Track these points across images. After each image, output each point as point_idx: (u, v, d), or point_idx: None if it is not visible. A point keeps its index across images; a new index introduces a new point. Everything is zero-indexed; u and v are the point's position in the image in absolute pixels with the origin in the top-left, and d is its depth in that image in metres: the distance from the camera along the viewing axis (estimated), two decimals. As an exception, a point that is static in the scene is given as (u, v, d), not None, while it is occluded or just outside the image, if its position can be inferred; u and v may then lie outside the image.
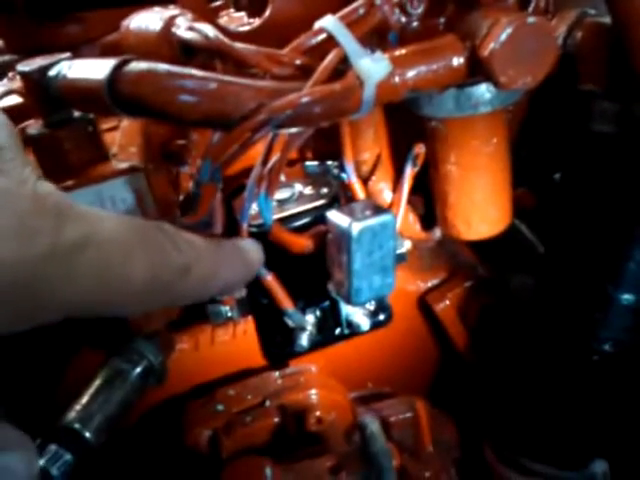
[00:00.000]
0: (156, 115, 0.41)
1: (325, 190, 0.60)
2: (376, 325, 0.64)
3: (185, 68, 0.41)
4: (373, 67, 0.43)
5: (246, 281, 0.36)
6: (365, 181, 0.62)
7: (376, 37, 0.50)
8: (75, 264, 0.24)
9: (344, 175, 0.61)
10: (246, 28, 0.59)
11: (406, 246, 0.63)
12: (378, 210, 0.52)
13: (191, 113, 0.40)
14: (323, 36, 0.46)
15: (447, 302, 0.78)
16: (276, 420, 0.69)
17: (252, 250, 0.36)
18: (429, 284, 0.80)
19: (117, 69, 0.42)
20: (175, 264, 0.30)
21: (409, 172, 0.60)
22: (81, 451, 0.50)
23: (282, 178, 0.62)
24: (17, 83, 0.65)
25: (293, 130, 0.45)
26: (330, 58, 0.44)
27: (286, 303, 0.55)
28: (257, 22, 0.59)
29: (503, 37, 0.44)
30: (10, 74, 0.70)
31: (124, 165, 0.49)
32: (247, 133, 0.42)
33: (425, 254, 0.79)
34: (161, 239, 0.30)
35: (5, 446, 0.26)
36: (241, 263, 0.35)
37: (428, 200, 0.66)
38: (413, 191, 0.63)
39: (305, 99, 0.41)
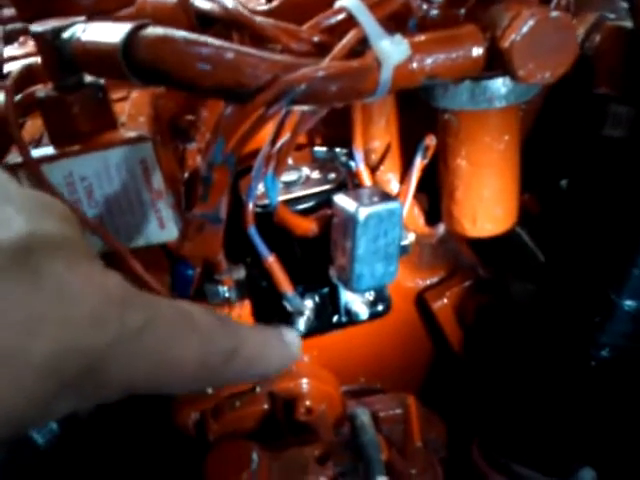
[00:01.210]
0: (170, 82, 0.41)
1: (332, 175, 0.60)
2: (374, 315, 0.63)
3: (202, 36, 0.40)
4: (392, 49, 0.43)
5: (283, 369, 0.37)
6: (373, 170, 0.61)
7: (394, 23, 0.49)
8: (137, 348, 0.26)
9: (352, 163, 0.61)
10: (264, 7, 0.58)
11: (410, 238, 0.63)
12: (386, 197, 0.51)
13: (206, 81, 0.40)
14: (343, 15, 0.45)
15: (445, 300, 0.78)
16: (265, 407, 0.68)
17: (293, 340, 0.37)
18: (428, 282, 0.80)
19: (133, 33, 0.42)
20: (223, 347, 0.31)
21: (418, 163, 0.59)
22: (67, 419, 0.49)
23: (290, 161, 0.61)
24: (27, 48, 0.64)
25: (306, 108, 0.44)
26: (349, 37, 0.43)
27: (285, 286, 0.55)
28: (275, 2, 0.59)
29: (525, 29, 0.44)
30: (21, 39, 0.69)
31: (132, 134, 0.48)
32: (261, 107, 0.41)
33: (426, 252, 0.79)
34: (211, 322, 0.31)
35: None
36: (282, 351, 0.36)
37: (432, 198, 0.66)
38: (418, 189, 0.63)
39: (321, 73, 0.40)
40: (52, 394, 0.23)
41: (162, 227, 0.51)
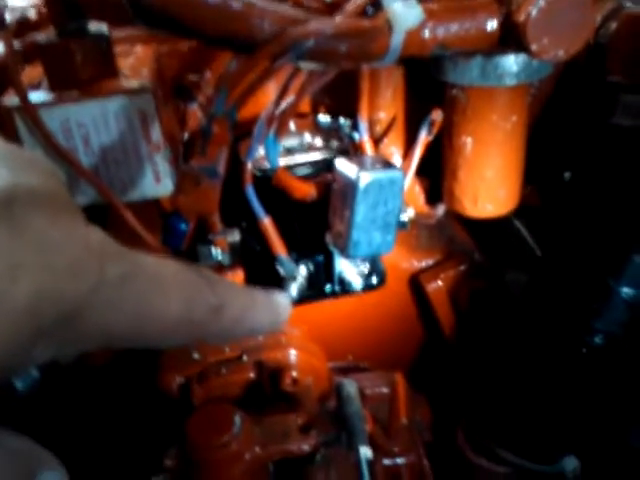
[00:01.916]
0: (176, 28, 0.40)
1: (335, 143, 0.59)
2: (368, 287, 0.63)
3: (211, -18, 0.39)
4: (405, 12, 0.42)
5: (271, 330, 0.37)
6: (376, 142, 0.60)
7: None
8: (115, 299, 0.26)
9: (356, 134, 0.60)
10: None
11: (409, 214, 0.62)
12: (388, 165, 0.50)
13: (212, 29, 0.39)
14: (357, -25, 0.44)
15: (439, 283, 0.77)
16: (251, 375, 0.67)
17: (282, 302, 0.37)
18: (423, 264, 0.79)
19: (140, -23, 0.41)
20: (209, 303, 0.31)
21: (423, 138, 0.58)
22: (47, 366, 0.49)
23: (292, 127, 0.60)
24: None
25: (312, 67, 0.43)
26: (362, -4, 0.42)
27: (280, 249, 0.54)
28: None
29: (541, 3, 0.43)
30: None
31: (133, 84, 0.47)
32: (266, 60, 0.40)
33: (423, 233, 0.78)
34: (197, 279, 0.31)
35: (41, 466, 0.27)
36: (270, 311, 0.36)
37: (433, 182, 0.65)
38: (419, 172, 0.62)
39: (330, 29, 0.39)
40: (30, 340, 0.24)
41: (158, 181, 0.50)
